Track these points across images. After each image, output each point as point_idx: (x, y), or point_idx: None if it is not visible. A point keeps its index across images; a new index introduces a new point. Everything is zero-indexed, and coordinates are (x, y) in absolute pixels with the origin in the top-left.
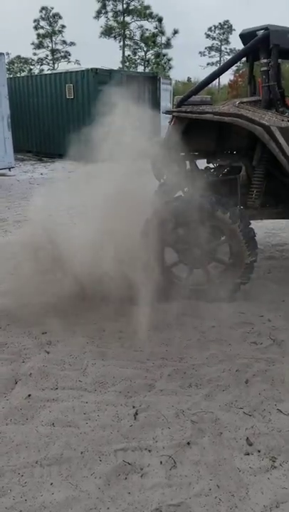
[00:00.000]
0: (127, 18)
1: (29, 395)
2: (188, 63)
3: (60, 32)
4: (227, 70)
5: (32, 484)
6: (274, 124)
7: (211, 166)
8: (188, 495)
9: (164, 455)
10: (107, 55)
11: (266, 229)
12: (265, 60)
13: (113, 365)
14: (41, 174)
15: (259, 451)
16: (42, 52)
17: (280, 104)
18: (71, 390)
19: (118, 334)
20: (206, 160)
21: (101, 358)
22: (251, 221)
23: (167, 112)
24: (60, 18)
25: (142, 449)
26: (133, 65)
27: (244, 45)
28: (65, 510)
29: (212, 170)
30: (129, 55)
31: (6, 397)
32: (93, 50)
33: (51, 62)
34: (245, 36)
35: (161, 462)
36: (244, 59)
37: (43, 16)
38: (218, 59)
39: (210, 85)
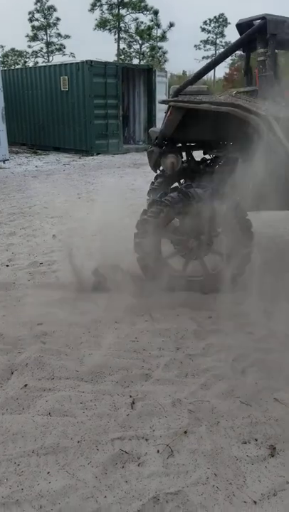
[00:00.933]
0: (122, 11)
1: (25, 385)
2: (184, 56)
3: (55, 24)
4: (224, 59)
5: (28, 473)
6: (271, 114)
7: (207, 157)
8: (186, 483)
9: (161, 444)
10: (103, 48)
11: (263, 221)
12: (262, 50)
13: (110, 355)
14: (36, 167)
15: (256, 440)
16: (37, 45)
17: (276, 94)
18: (68, 380)
19: (114, 325)
20: (202, 151)
21: (98, 349)
22: (248, 212)
23: (164, 102)
24: (55, 10)
25: (139, 438)
26: (128, 58)
27: (241, 35)
28: (62, 499)
29: (208, 161)
30: (124, 48)
31: (3, 387)
32: (88, 43)
33: (46, 54)
34: (242, 26)
35: (158, 451)
36: (240, 51)
37: (38, 8)
38: (213, 52)
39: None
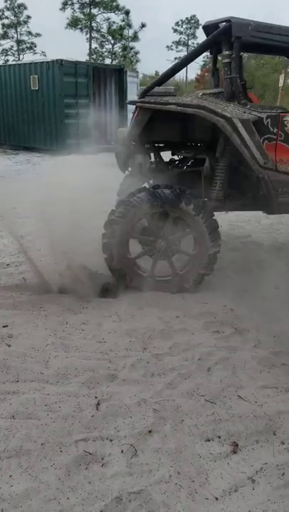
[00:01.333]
0: (94, 10)
1: None
2: (156, 57)
3: (26, 22)
4: (191, 61)
5: None
6: (236, 116)
7: (175, 157)
8: (149, 482)
9: (126, 444)
10: (74, 48)
11: (230, 221)
12: (227, 52)
13: (76, 357)
14: (5, 166)
15: (219, 437)
16: (7, 43)
17: (241, 97)
18: (32, 383)
19: (81, 326)
20: (170, 152)
21: (64, 350)
22: (215, 213)
23: (130, 102)
24: (25, 8)
25: (103, 439)
26: (100, 58)
27: (207, 37)
28: (24, 502)
29: (176, 162)
30: (96, 48)
31: None
32: (60, 42)
33: (16, 53)
34: (208, 28)
35: (122, 451)
36: (208, 53)
37: (8, 6)
38: (185, 53)
39: (178, 80)
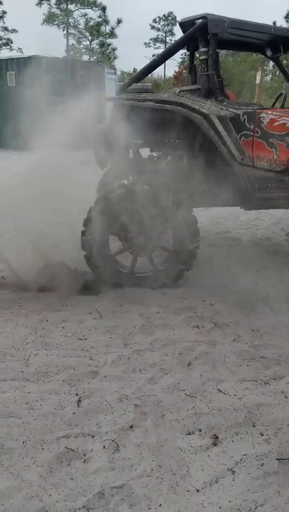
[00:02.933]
0: (71, 6)
1: None
2: (134, 54)
3: (1, 18)
4: (167, 58)
5: None
6: (213, 113)
7: (154, 154)
8: (131, 476)
9: (107, 439)
10: (51, 44)
11: (209, 217)
12: (203, 49)
13: (56, 355)
14: None
15: (200, 431)
16: None
17: (219, 93)
18: (13, 381)
19: (62, 324)
20: (149, 148)
21: (44, 348)
22: (194, 209)
23: (109, 99)
24: (1, 3)
25: (84, 435)
26: (78, 54)
27: (184, 33)
28: (6, 500)
29: (155, 158)
30: (73, 44)
31: None
32: (37, 38)
33: None
34: (184, 25)
35: (104, 447)
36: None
37: None
38: (162, 50)
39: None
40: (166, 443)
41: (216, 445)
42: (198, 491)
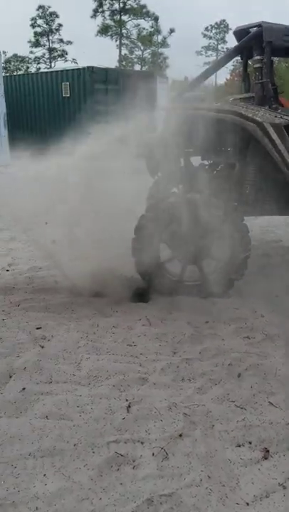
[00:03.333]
0: (124, 17)
1: (23, 389)
2: (185, 62)
3: (57, 30)
4: (222, 66)
5: (25, 475)
6: (267, 121)
7: (205, 162)
8: (180, 485)
9: (156, 447)
10: (105, 54)
11: (261, 226)
12: (258, 57)
13: (107, 360)
14: (37, 171)
15: (250, 443)
16: (39, 51)
17: (273, 101)
18: (65, 384)
19: (112, 329)
20: (200, 156)
21: (95, 353)
22: (245, 217)
23: (162, 108)
24: (57, 16)
25: (134, 441)
26: (130, 64)
27: (238, 42)
28: (58, 501)
29: (206, 167)
30: (125, 54)
31: (1, 390)
32: (90, 49)
33: (48, 60)
34: (239, 33)
35: (153, 454)
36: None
37: (40, 14)
38: (214, 58)
39: (207, 85)
40: (216, 454)
41: (266, 459)
42: (248, 504)
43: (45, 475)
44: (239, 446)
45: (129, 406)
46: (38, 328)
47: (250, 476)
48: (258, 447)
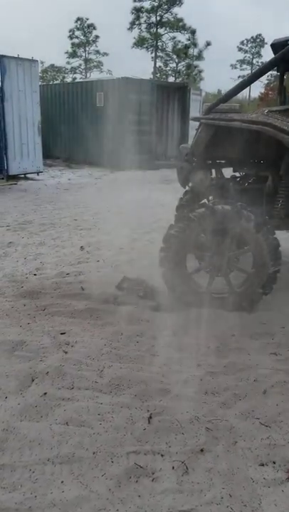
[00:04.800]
0: (160, 30)
1: (45, 393)
2: (220, 76)
3: (94, 42)
4: (257, 79)
5: (43, 481)
6: None
7: (237, 174)
8: (200, 502)
9: (177, 460)
10: (139, 66)
11: None
12: None
13: (130, 369)
14: (68, 180)
15: (274, 463)
16: (75, 62)
17: None
18: (87, 391)
19: (136, 338)
20: (232, 168)
21: (118, 361)
22: (276, 231)
23: (195, 119)
24: (95, 28)
25: (154, 453)
26: (164, 76)
27: (275, 55)
28: (74, 509)
29: (238, 178)
30: (160, 66)
31: (22, 394)
32: (125, 60)
33: (84, 71)
34: (276, 46)
35: (173, 467)
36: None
37: (78, 26)
38: (249, 72)
39: (240, 98)
40: (238, 472)
41: None
42: None
43: (62, 482)
44: (262, 465)
45: (150, 417)
46: (62, 334)
47: (274, 497)
48: (283, 468)
